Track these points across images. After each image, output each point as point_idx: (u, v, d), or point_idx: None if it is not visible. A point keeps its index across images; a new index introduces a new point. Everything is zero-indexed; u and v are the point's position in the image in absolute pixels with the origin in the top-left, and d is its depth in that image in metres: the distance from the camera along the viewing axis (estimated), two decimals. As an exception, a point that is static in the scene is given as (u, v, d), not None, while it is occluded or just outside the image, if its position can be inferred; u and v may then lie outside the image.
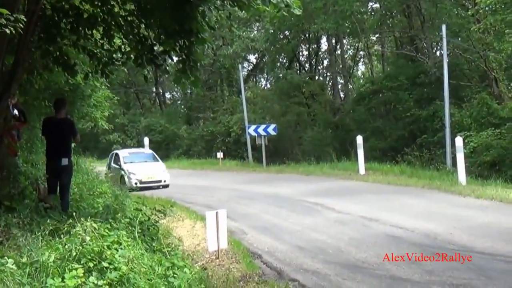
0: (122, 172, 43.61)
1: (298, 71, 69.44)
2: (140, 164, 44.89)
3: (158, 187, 42.18)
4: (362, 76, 74.02)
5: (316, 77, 68.78)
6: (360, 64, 73.75)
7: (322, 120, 60.04)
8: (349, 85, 67.34)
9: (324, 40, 66.47)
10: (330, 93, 66.81)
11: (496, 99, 45.04)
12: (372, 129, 52.13)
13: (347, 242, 20.83)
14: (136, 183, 41.82)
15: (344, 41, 65.76)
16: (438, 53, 54.89)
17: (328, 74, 68.90)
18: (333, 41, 64.59)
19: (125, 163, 44.80)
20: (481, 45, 45.93)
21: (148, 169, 44.20)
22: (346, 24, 57.76)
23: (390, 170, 39.57)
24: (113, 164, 46.00)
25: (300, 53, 70.35)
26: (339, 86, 65.86)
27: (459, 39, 48.92)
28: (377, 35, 64.15)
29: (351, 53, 71.09)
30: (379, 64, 69.06)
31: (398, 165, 41.97)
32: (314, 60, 69.07)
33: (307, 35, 66.29)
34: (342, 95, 65.57)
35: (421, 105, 50.61)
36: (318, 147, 55.81)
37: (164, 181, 43.52)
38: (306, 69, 69.81)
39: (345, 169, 41.51)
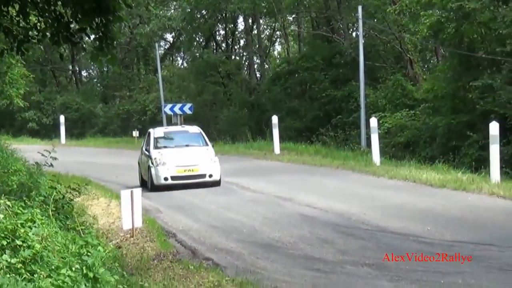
0: (149, 162, 30.25)
1: (215, 51, 69.29)
2: (176, 150, 31.23)
3: (201, 185, 29.32)
4: (278, 56, 74.12)
5: (233, 57, 68.64)
6: (276, 44, 73.79)
7: (238, 100, 59.99)
8: (265, 65, 67.32)
9: (240, 20, 66.43)
10: (246, 72, 66.78)
11: (411, 81, 45.48)
12: (288, 109, 52.21)
13: (262, 222, 20.98)
14: (166, 179, 29.49)
15: (261, 21, 65.68)
16: (354, 34, 55.18)
17: (244, 54, 68.85)
18: (250, 21, 64.55)
19: (156, 148, 31.15)
20: (397, 26, 46.22)
21: (186, 157, 30.52)
22: (263, 4, 57.65)
23: (305, 150, 39.75)
24: (144, 150, 32.38)
25: (217, 33, 70.18)
26: (255, 66, 65.92)
27: (375, 20, 49.00)
28: (293, 15, 64.14)
29: (267, 33, 71.05)
30: (295, 44, 69.19)
31: (313, 145, 42.18)
32: (230, 39, 68.94)
33: (224, 15, 66.12)
34: (258, 75, 65.59)
35: (337, 86, 50.83)
36: (234, 126, 55.84)
37: (210, 175, 29.64)
38: (223, 48, 69.66)
39: (260, 149, 41.65)
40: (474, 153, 33.27)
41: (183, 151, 31.18)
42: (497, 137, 26.15)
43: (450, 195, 24.45)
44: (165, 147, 31.29)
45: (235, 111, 58.84)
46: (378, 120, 35.44)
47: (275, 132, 39.42)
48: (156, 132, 32.77)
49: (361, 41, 41.78)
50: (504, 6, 35.84)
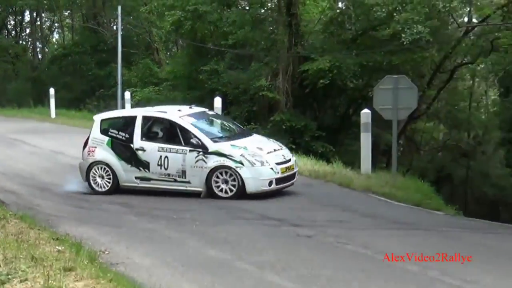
0: (233, 162, 16.61)
1: (7, 36, 67.10)
2: (248, 141, 17.86)
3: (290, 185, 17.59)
4: (56, 43, 72.51)
5: (20, 42, 67.17)
6: (55, 33, 72.36)
7: (23, 75, 59.00)
8: (46, 49, 66.08)
9: (27, 13, 64.84)
10: (31, 54, 65.34)
11: (157, 64, 46.11)
12: (63, 83, 51.37)
13: (39, 169, 20.77)
14: (270, 184, 16.73)
15: (43, 14, 64.35)
16: (115, 27, 54.86)
17: (30, 39, 67.22)
18: (34, 14, 63.17)
19: (215, 141, 17.18)
20: (147, 22, 46.65)
21: (272, 151, 17.56)
22: (45, 1, 57.00)
23: (75, 116, 39.34)
24: (189, 156, 16.92)
25: (8, 23, 68.13)
26: (38, 50, 64.64)
27: (131, 17, 49.33)
28: (68, 11, 63.44)
29: (48, 24, 69.51)
30: (69, 34, 67.96)
31: (81, 112, 41.97)
32: (19, 28, 67.25)
33: (14, 8, 64.32)
34: (40, 57, 64.39)
35: (100, 67, 50.67)
36: (20, 96, 54.38)
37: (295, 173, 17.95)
38: (13, 35, 67.83)
39: (41, 114, 40.67)
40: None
41: (254, 143, 17.84)
42: (220, 108, 26.53)
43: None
44: (220, 138, 17.72)
45: (21, 84, 57.50)
46: (131, 94, 35.46)
47: (52, 101, 38.78)
48: (183, 121, 17.55)
49: (120, 33, 41.86)
50: (228, 10, 36.83)
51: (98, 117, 18.75)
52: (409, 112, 22.69)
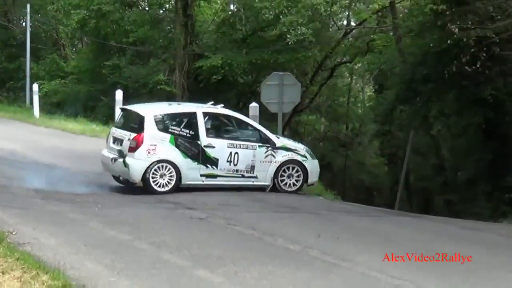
0: (300, 157, 16.61)
1: None
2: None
3: None
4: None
5: None
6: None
7: None
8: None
9: None
10: None
11: (63, 59, 45.25)
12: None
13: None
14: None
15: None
16: (24, 24, 53.52)
17: None
18: None
19: (277, 137, 17.33)
20: (55, 20, 45.67)
21: None
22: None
23: (-16, 105, 38.33)
24: (258, 151, 16.33)
25: None
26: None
27: (39, 15, 48.23)
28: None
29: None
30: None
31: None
32: None
33: None
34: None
35: (11, 61, 49.27)
36: None
37: None
38: None
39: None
40: (105, 111, 33.36)
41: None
42: (120, 101, 26.33)
43: (87, 139, 24.60)
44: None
45: None
46: (39, 86, 34.64)
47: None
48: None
49: (28, 29, 41.22)
50: (129, 10, 36.53)
51: (148, 114, 16.04)
52: (293, 106, 22.99)
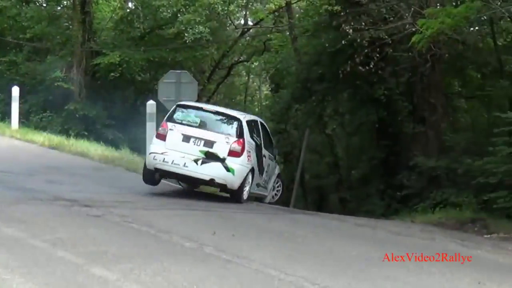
0: None
1: None
2: None
3: None
4: None
5: None
6: None
7: None
8: None
9: None
10: None
11: None
12: None
13: None
14: None
15: None
16: None
17: None
18: None
19: None
20: None
21: None
22: None
23: None
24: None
25: None
26: None
27: None
28: None
29: None
30: None
31: None
32: None
33: None
34: None
35: None
36: None
37: None
38: None
39: None
40: (1, 108, 32.53)
41: None
42: (17, 97, 26.05)
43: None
44: None
45: None
46: None
47: None
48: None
49: None
50: (26, 6, 35.88)
51: (243, 118, 15.79)
52: (190, 104, 23.04)
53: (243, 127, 15.31)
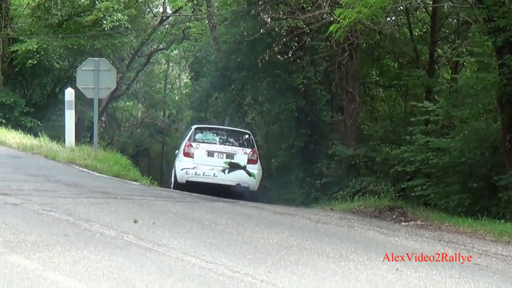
0: None
1: None
2: None
3: None
4: None
5: None
6: None
7: None
8: None
9: None
10: None
11: None
12: None
13: None
14: None
15: None
16: None
17: None
18: None
19: None
20: None
21: None
22: None
23: None
24: None
25: None
26: None
27: None
28: None
29: None
30: None
31: None
32: None
33: None
34: None
35: None
36: None
37: None
38: None
39: None
40: None
41: None
42: None
43: None
44: None
45: None
46: None
47: None
48: None
49: None
50: None
51: (250, 132, 20.50)
52: (109, 91, 22.89)
53: (252, 139, 19.34)
